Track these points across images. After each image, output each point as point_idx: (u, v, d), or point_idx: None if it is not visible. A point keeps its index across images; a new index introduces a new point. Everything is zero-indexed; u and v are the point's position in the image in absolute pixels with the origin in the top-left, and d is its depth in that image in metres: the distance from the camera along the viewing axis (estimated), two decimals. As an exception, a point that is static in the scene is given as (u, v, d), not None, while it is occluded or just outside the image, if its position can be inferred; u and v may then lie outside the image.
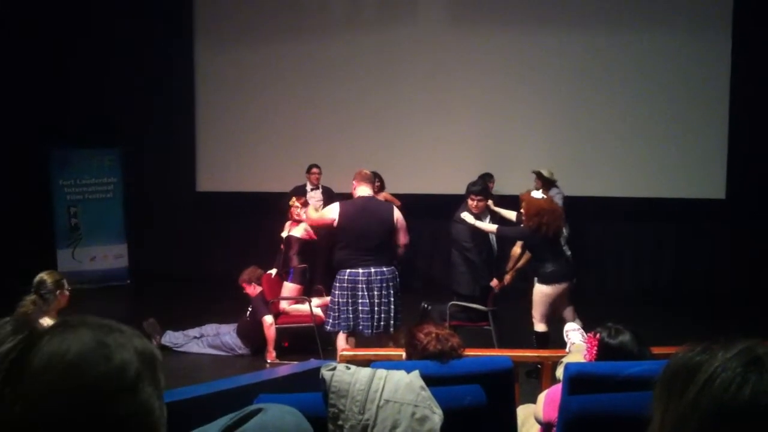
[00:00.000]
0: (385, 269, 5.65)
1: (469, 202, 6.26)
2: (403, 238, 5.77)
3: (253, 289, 6.75)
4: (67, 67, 9.78)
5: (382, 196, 8.62)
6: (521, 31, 9.25)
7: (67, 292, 4.66)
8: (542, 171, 8.04)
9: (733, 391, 0.86)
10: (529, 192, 6.07)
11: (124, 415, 0.89)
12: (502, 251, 6.82)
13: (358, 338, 5.79)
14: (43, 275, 4.63)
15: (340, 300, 5.66)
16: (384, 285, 5.63)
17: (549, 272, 5.89)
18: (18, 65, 9.41)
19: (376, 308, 5.62)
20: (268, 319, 6.54)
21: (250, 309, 6.77)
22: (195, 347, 6.76)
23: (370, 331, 5.64)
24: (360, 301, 5.60)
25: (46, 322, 2.88)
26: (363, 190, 5.81)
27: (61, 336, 0.90)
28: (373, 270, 5.60)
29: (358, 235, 5.62)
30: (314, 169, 8.69)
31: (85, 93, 9.79)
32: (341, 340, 5.77)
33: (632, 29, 8.97)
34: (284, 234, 7.18)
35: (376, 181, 8.50)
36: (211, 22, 10.06)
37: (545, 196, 5.98)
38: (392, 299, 5.67)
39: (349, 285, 5.62)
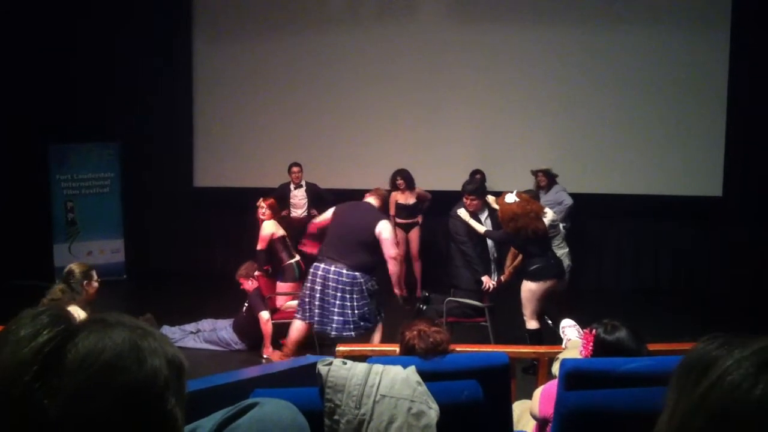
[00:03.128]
0: (344, 272, 5.69)
1: (464, 200, 6.33)
2: (388, 251, 5.76)
3: (250, 285, 6.74)
4: (65, 62, 9.75)
5: (414, 194, 8.66)
6: (519, 28, 9.24)
7: (95, 284, 4.71)
8: (547, 168, 8.08)
9: (742, 391, 0.85)
10: (503, 197, 6.08)
11: (148, 422, 0.88)
12: (499, 250, 6.84)
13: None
14: (72, 266, 4.73)
15: (305, 291, 5.90)
16: (339, 287, 5.71)
17: (534, 269, 5.93)
18: (16, 60, 9.39)
19: (329, 306, 5.75)
20: (265, 314, 6.54)
21: (246, 304, 6.77)
22: (191, 342, 6.76)
23: (327, 328, 5.80)
24: (317, 296, 5.79)
25: (76, 311, 2.88)
26: (368, 198, 6.11)
27: (98, 334, 0.89)
28: (332, 269, 5.71)
29: (336, 232, 5.82)
30: (294, 168, 8.69)
31: (83, 88, 9.76)
32: (297, 328, 5.98)
33: (630, 27, 8.97)
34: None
35: (398, 179, 8.53)
36: (210, 18, 10.04)
37: (518, 200, 5.96)
38: (347, 303, 5.70)
39: (311, 277, 5.82)
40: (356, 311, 5.72)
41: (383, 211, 6.14)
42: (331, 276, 5.70)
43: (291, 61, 9.74)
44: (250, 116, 9.87)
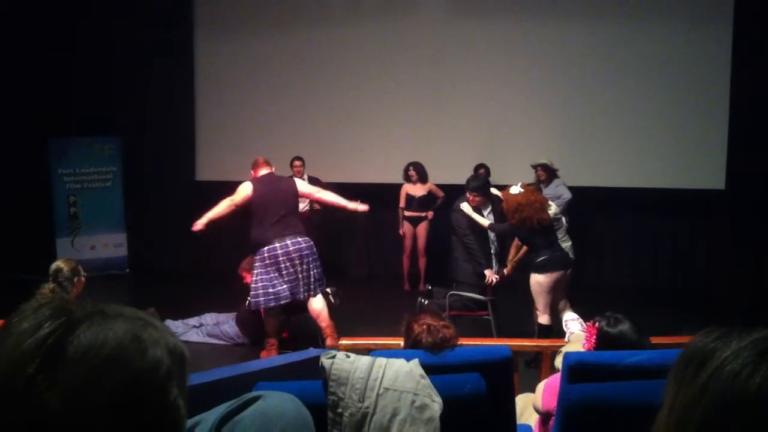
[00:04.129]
0: (300, 239, 5.97)
1: (468, 196, 6.32)
2: (313, 194, 6.25)
3: None
4: (67, 56, 9.74)
5: (426, 187, 8.64)
6: (521, 22, 9.21)
7: (83, 279, 4.69)
8: (546, 162, 8.07)
9: (742, 379, 0.86)
10: (507, 190, 6.09)
11: (150, 414, 0.88)
12: (501, 244, 6.83)
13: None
14: (60, 263, 4.68)
15: (264, 277, 5.96)
16: (302, 255, 5.95)
17: (541, 261, 5.92)
18: (17, 54, 9.38)
19: (293, 277, 5.95)
20: None
21: (249, 298, 6.77)
22: (194, 336, 6.76)
23: (302, 295, 6.04)
24: (284, 272, 5.93)
25: None
26: (264, 171, 6.21)
27: (99, 326, 0.88)
28: (289, 242, 5.91)
29: (270, 210, 5.98)
30: (296, 162, 8.68)
31: (85, 82, 9.76)
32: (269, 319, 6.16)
33: (632, 19, 8.94)
34: None
35: (411, 169, 8.56)
36: (211, 12, 10.02)
37: (522, 190, 5.99)
38: (311, 266, 6.01)
39: (269, 261, 5.92)
40: (319, 270, 6.10)
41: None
42: (291, 249, 5.91)
43: (292, 56, 9.73)
44: (251, 110, 9.85)
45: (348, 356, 2.72)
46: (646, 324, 3.28)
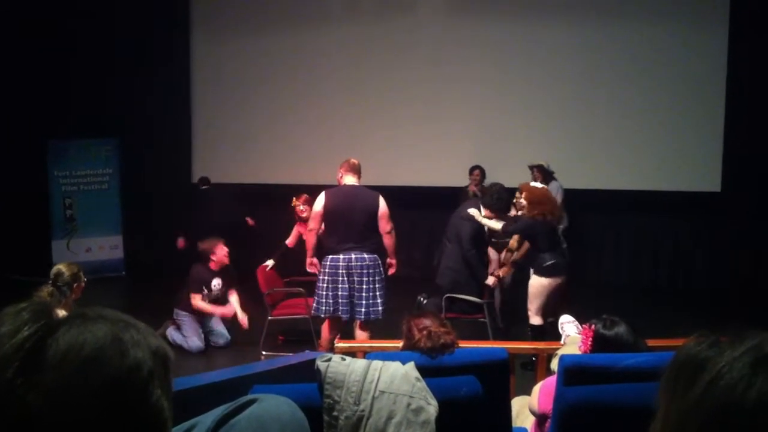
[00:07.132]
0: (366, 256, 5.68)
1: (484, 210, 6.26)
2: (384, 226, 5.74)
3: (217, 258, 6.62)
4: (64, 58, 9.73)
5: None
6: (518, 23, 9.22)
7: (83, 284, 4.65)
8: (542, 163, 8.08)
9: (738, 392, 0.84)
10: (528, 183, 6.12)
11: (133, 414, 0.88)
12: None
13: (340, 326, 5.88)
14: (61, 267, 4.61)
15: (322, 285, 5.75)
16: (365, 272, 5.68)
17: (548, 265, 5.90)
18: (15, 56, 9.37)
19: (356, 293, 5.69)
20: (197, 298, 6.52)
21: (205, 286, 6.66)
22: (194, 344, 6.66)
23: (347, 315, 5.73)
24: (340, 286, 5.69)
25: (61, 314, 2.85)
26: (349, 179, 5.85)
27: (79, 328, 0.88)
28: (353, 256, 5.66)
29: (341, 222, 5.68)
30: None
31: (82, 84, 9.75)
32: (325, 327, 5.87)
33: (629, 21, 8.95)
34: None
35: (472, 183, 8.21)
36: (209, 13, 10.03)
37: (545, 187, 6.05)
38: (373, 286, 5.70)
39: (331, 271, 5.69)
40: (380, 292, 5.76)
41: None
42: (353, 264, 5.66)
43: (289, 57, 9.73)
44: (248, 112, 9.86)
45: (344, 359, 2.72)
46: (645, 324, 3.28)
